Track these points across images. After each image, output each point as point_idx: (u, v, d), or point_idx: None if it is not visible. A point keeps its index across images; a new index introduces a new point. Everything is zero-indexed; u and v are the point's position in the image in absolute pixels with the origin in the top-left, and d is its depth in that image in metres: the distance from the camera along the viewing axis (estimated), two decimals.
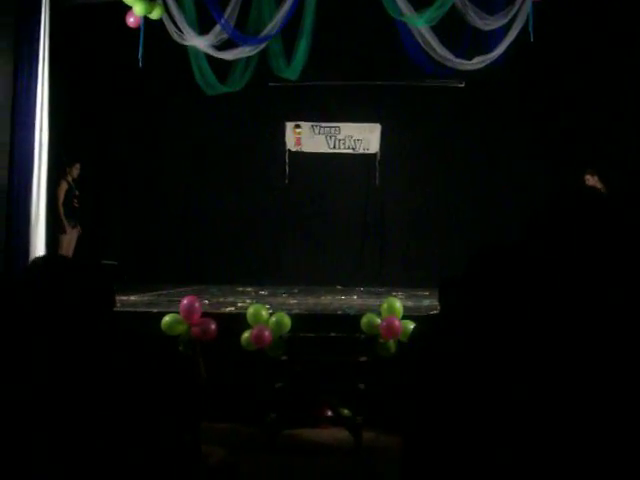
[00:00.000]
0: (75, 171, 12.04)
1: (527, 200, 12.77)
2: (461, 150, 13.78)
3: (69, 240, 11.96)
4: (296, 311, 9.57)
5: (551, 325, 0.59)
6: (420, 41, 11.10)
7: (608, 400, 0.57)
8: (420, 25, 10.99)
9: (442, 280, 4.03)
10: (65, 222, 11.83)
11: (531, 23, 10.73)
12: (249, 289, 12.52)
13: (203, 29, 11.39)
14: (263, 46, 11.50)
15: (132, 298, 11.02)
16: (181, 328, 8.54)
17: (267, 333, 8.50)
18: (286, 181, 14.57)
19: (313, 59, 11.77)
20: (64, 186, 11.90)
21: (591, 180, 12.02)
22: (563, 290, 0.60)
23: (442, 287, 4.23)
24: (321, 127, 14.80)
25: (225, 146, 14.09)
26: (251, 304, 9.34)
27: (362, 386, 8.00)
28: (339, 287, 13.10)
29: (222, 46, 11.49)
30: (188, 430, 4.03)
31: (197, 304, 8.77)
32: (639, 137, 12.08)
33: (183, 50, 11.59)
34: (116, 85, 13.40)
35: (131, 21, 11.34)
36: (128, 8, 11.21)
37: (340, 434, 7.88)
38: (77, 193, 12.01)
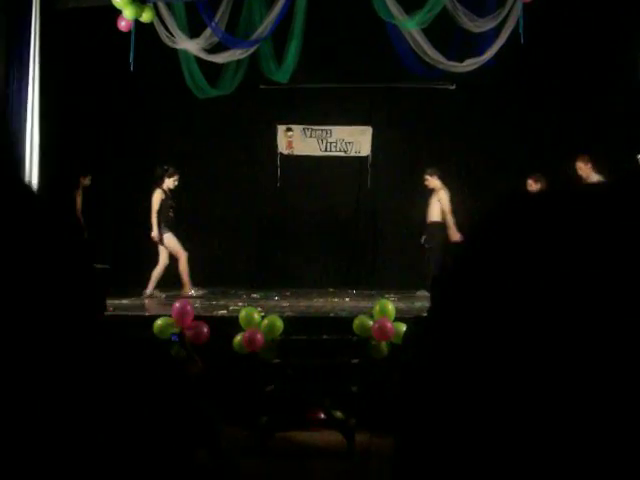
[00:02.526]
0: (172, 182, 12.07)
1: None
2: (452, 152, 13.79)
3: (174, 241, 12.02)
4: (288, 314, 9.57)
5: (544, 321, 0.59)
6: (411, 44, 11.12)
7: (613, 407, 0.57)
8: (411, 28, 11.00)
9: (434, 278, 4.02)
10: (156, 230, 11.85)
11: (522, 25, 10.75)
12: (241, 292, 12.51)
13: (194, 32, 11.39)
14: (254, 49, 11.50)
15: (124, 302, 11.01)
16: (173, 332, 8.53)
17: (259, 336, 8.51)
18: (278, 184, 14.56)
19: (304, 62, 11.79)
20: (159, 195, 11.93)
21: (534, 186, 11.98)
22: (558, 285, 0.59)
23: (434, 285, 4.22)
24: (312, 130, 14.79)
25: (216, 149, 14.08)
26: (243, 307, 9.34)
27: (355, 388, 8.00)
28: (331, 289, 13.08)
29: (213, 49, 11.51)
30: (182, 435, 4.03)
31: (189, 307, 8.77)
32: (630, 138, 12.08)
33: (174, 53, 11.59)
34: (107, 89, 13.37)
35: (122, 25, 11.33)
36: (119, 12, 11.20)
37: (333, 437, 7.88)
38: (173, 204, 12.05)
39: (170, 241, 11.93)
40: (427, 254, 12.41)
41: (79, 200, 12.85)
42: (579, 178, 11.20)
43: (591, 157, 11.21)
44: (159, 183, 11.98)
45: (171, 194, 12.06)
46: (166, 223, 11.90)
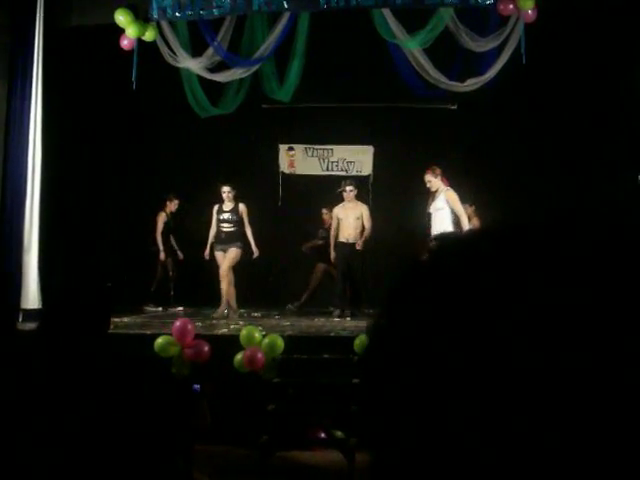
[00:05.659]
0: (225, 197, 12.15)
1: (521, 221, 12.74)
2: (453, 172, 13.77)
3: (220, 259, 12.05)
4: (289, 333, 9.55)
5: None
6: (413, 63, 11.14)
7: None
8: (413, 47, 11.02)
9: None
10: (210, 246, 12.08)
11: (523, 45, 10.76)
12: (242, 311, 12.49)
13: (196, 51, 11.42)
14: (256, 68, 11.53)
15: (125, 320, 11.00)
16: (174, 350, 8.51)
17: (260, 355, 8.48)
18: (279, 203, 14.57)
19: (306, 81, 11.81)
20: (211, 211, 12.17)
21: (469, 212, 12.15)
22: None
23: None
24: (314, 149, 14.83)
25: (218, 168, 14.07)
26: (244, 326, 9.33)
27: (355, 408, 7.96)
28: (332, 308, 13.04)
29: (215, 68, 11.54)
30: (180, 455, 4.01)
31: (190, 326, 8.76)
32: (631, 159, 12.09)
33: (176, 72, 11.62)
34: (109, 107, 13.39)
35: (125, 43, 11.36)
36: (122, 30, 11.24)
37: (333, 456, 7.84)
38: (225, 218, 12.11)
39: (218, 258, 12.00)
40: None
41: (161, 223, 13.25)
42: (428, 190, 11.21)
43: (441, 169, 11.21)
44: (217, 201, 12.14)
45: (225, 210, 12.15)
46: (215, 240, 11.99)
